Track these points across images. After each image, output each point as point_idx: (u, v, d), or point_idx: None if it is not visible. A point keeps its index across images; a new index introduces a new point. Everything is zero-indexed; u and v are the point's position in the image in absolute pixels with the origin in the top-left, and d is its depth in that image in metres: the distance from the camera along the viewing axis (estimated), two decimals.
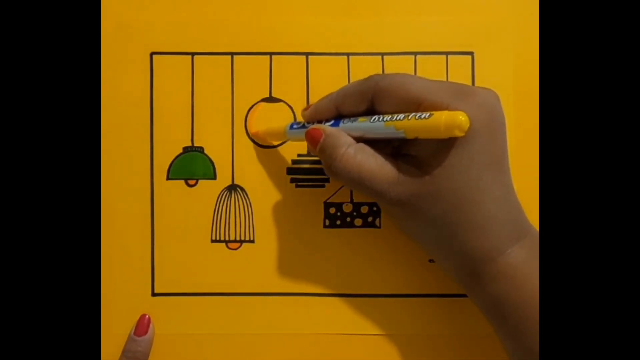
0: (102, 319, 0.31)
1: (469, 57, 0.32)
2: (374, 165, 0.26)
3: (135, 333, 0.31)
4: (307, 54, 0.32)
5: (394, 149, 0.28)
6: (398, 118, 0.25)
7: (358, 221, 0.32)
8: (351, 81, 0.32)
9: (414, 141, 0.26)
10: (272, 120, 0.32)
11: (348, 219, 0.32)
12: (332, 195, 0.32)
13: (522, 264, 0.25)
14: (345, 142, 0.26)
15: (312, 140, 0.27)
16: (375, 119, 0.26)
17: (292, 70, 0.32)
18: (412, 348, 0.31)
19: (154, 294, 0.32)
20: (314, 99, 0.32)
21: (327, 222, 0.32)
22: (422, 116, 0.24)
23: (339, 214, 0.32)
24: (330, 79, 0.32)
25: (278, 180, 0.32)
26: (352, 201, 0.32)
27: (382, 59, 0.32)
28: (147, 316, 0.31)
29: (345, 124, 0.27)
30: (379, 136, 0.26)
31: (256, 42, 0.32)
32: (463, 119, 0.23)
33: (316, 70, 0.32)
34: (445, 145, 0.24)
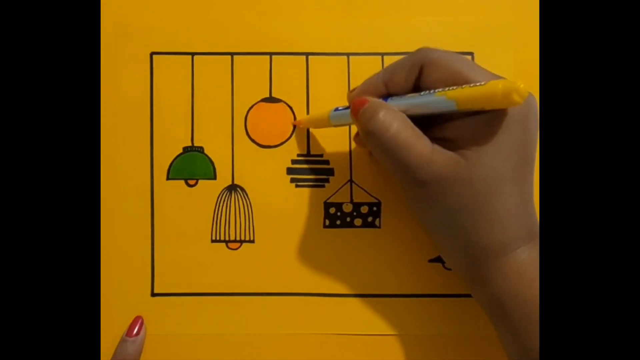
0: (102, 319, 0.31)
1: (469, 57, 0.32)
2: (412, 136, 0.25)
3: (127, 334, 0.31)
4: (307, 54, 0.32)
5: (426, 131, 0.26)
6: (450, 89, 0.24)
7: (358, 221, 0.32)
8: (351, 80, 0.32)
9: (451, 124, 0.25)
10: (272, 120, 0.32)
11: (348, 219, 0.32)
12: (332, 195, 0.32)
13: (533, 262, 0.25)
14: (388, 106, 0.25)
15: (356, 108, 0.26)
16: (425, 92, 0.25)
17: (292, 70, 0.32)
18: (412, 348, 0.31)
19: (153, 294, 0.32)
20: (314, 99, 0.32)
21: (327, 222, 0.32)
22: (477, 84, 0.23)
23: (339, 214, 0.32)
24: (330, 79, 0.32)
25: (278, 180, 0.32)
26: (352, 201, 0.32)
27: (382, 59, 0.32)
28: (140, 318, 0.31)
29: (394, 100, 0.26)
30: (429, 109, 0.25)
31: (256, 42, 0.32)
32: (522, 85, 0.22)
33: (316, 70, 0.32)
34: (485, 130, 0.24)
